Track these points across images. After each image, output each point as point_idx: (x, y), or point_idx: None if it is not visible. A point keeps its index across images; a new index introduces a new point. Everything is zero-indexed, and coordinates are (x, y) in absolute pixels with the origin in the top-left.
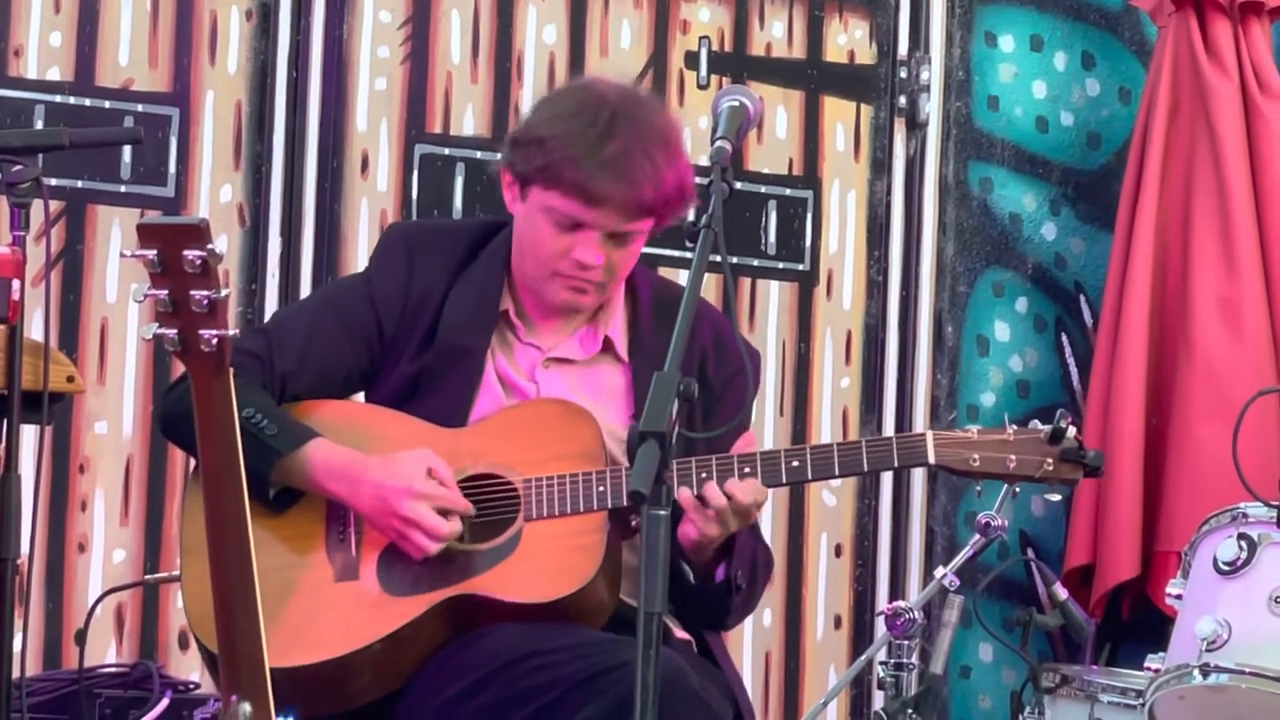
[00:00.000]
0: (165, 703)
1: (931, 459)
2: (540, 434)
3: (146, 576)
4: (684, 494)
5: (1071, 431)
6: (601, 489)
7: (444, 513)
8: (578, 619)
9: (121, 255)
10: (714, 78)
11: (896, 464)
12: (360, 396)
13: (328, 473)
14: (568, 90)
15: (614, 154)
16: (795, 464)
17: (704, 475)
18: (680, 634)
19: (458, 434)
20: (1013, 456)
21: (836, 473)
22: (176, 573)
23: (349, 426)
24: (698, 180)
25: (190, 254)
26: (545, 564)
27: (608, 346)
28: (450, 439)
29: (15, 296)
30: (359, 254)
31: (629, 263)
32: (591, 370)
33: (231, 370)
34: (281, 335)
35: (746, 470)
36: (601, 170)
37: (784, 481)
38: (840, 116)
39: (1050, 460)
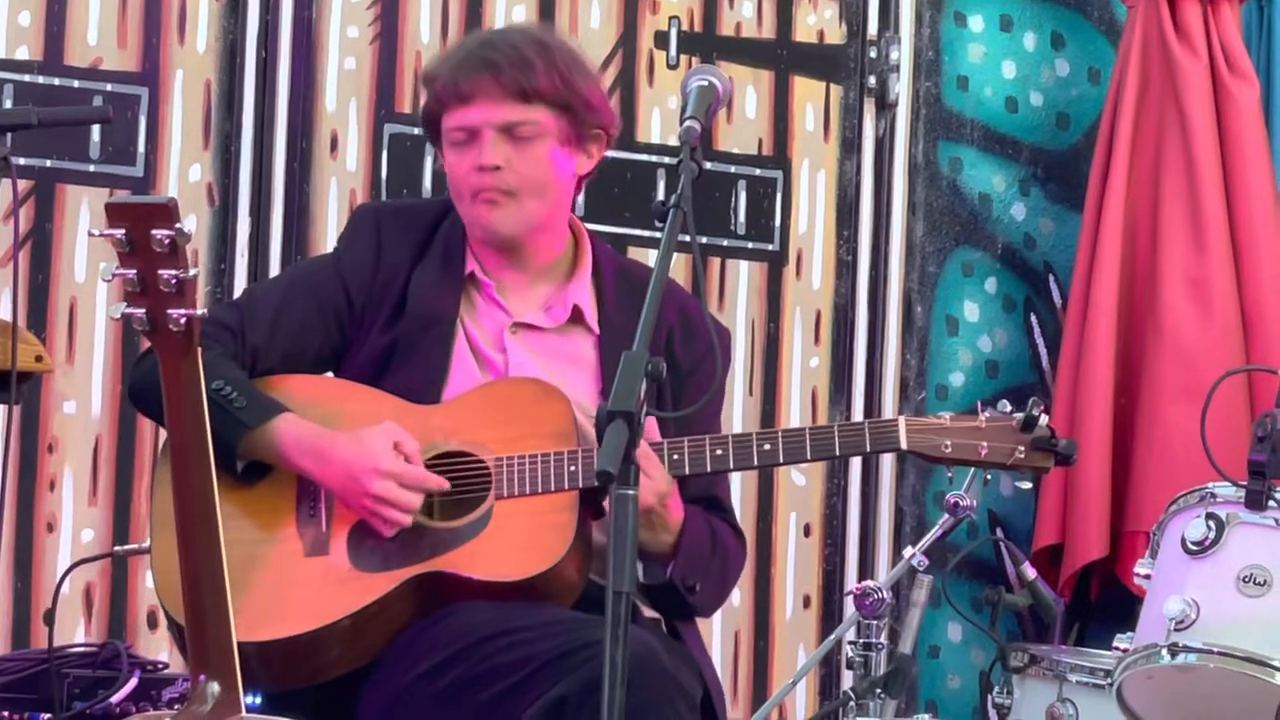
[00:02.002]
0: (134, 682)
1: (904, 444)
2: (512, 413)
3: (115, 548)
4: None
5: (1044, 419)
6: (573, 468)
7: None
8: (547, 598)
9: (90, 234)
10: (683, 58)
11: (869, 449)
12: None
13: (296, 448)
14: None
15: (474, 51)
16: (767, 447)
17: (675, 457)
18: (648, 613)
19: (429, 411)
20: (985, 443)
21: (808, 456)
22: (146, 544)
23: (319, 401)
24: (667, 160)
25: (158, 233)
26: (515, 542)
27: (577, 316)
28: (421, 416)
29: None
30: (328, 234)
31: (536, 166)
32: (560, 338)
33: (200, 348)
34: (253, 309)
35: (718, 453)
36: (465, 65)
37: (755, 464)
38: (810, 96)
39: (1022, 448)
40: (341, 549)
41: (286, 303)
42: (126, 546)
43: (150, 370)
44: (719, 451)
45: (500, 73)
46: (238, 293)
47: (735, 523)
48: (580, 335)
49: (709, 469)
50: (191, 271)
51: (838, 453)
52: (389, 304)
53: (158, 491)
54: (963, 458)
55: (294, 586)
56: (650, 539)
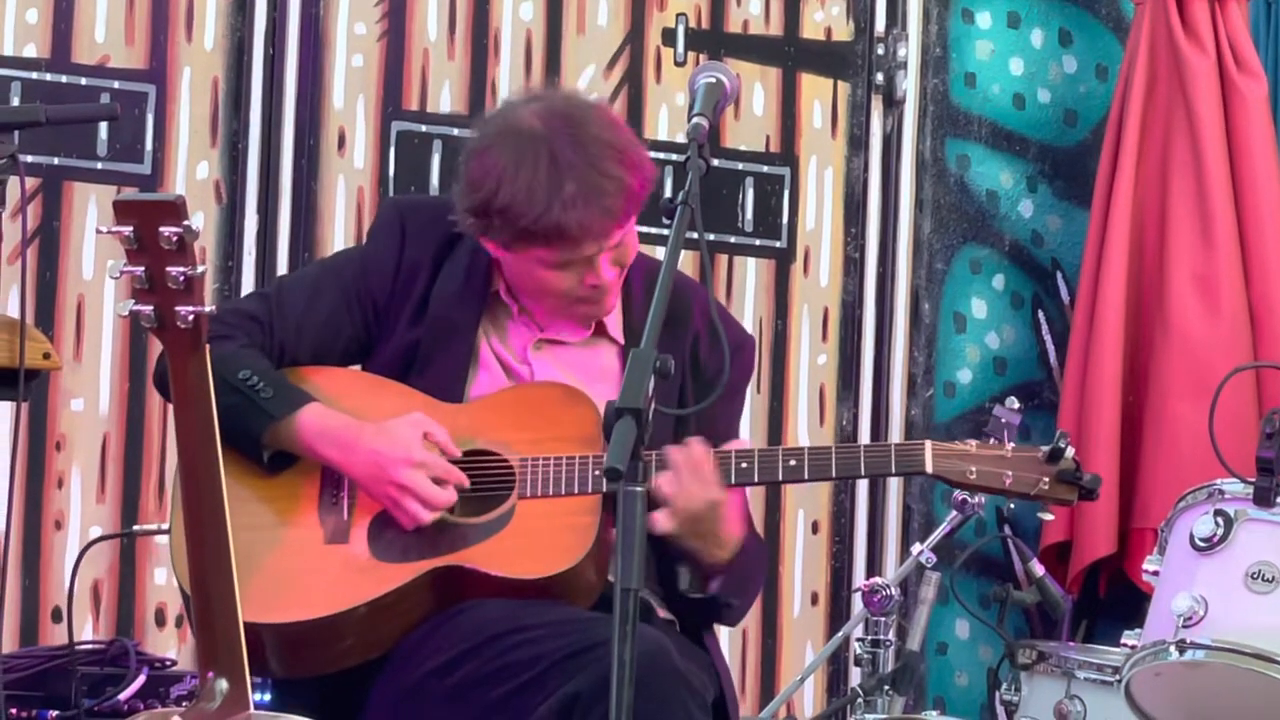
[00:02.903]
0: (142, 679)
1: (929, 468)
2: (539, 416)
3: (134, 527)
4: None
5: (1070, 452)
6: (597, 472)
7: (440, 483)
8: (565, 598)
9: (98, 232)
10: (691, 55)
11: (894, 471)
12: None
13: (322, 438)
14: (496, 137)
15: (572, 193)
16: (792, 463)
17: None
18: (663, 613)
19: (456, 410)
20: (1009, 473)
21: (833, 475)
22: (165, 525)
23: (347, 394)
24: (675, 157)
25: (166, 230)
26: (536, 542)
27: (600, 330)
28: (449, 413)
29: None
30: (336, 231)
31: (634, 249)
32: (585, 352)
33: (227, 338)
34: (282, 300)
35: (744, 466)
36: (570, 210)
37: (780, 480)
38: (817, 93)
39: (1046, 479)
40: (362, 538)
41: (315, 296)
42: (143, 526)
43: None
44: (744, 465)
45: (611, 211)
46: (246, 290)
47: (756, 532)
48: (604, 347)
49: (734, 483)
50: (199, 268)
51: (863, 473)
52: (412, 302)
53: (177, 479)
54: (986, 485)
55: (312, 572)
56: (700, 548)
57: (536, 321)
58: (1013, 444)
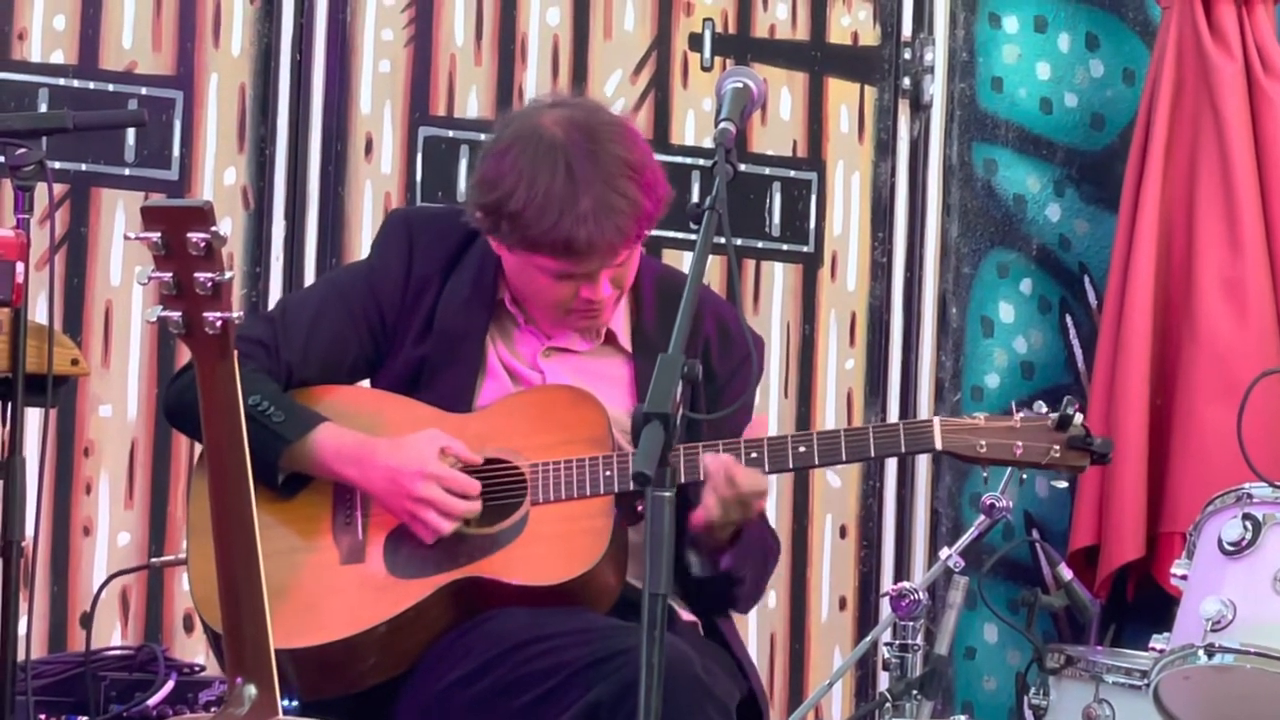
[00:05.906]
0: (170, 685)
1: (938, 445)
2: (547, 419)
3: (152, 560)
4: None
5: (1079, 418)
6: (608, 474)
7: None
8: (583, 603)
9: (126, 238)
10: (718, 60)
11: (904, 450)
12: (366, 384)
13: (338, 457)
14: (515, 140)
15: (587, 208)
16: (802, 449)
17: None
18: (686, 616)
19: (465, 419)
20: (1019, 443)
21: (844, 458)
22: (182, 555)
23: (356, 413)
24: (702, 162)
25: (194, 236)
26: (551, 548)
27: (609, 339)
28: (457, 424)
29: (19, 279)
30: (363, 237)
31: (633, 272)
32: (594, 361)
33: (236, 355)
34: (287, 322)
35: (753, 455)
36: (581, 225)
37: (790, 467)
38: (844, 98)
39: (1057, 447)
40: (378, 556)
41: (320, 316)
42: (163, 558)
43: (184, 390)
44: (754, 455)
45: (620, 231)
46: (274, 296)
47: (768, 523)
48: (613, 355)
49: None
50: (227, 274)
51: (873, 454)
52: (420, 317)
53: (193, 502)
54: (998, 457)
55: (330, 594)
56: (713, 535)
57: (543, 330)
58: (1022, 413)
